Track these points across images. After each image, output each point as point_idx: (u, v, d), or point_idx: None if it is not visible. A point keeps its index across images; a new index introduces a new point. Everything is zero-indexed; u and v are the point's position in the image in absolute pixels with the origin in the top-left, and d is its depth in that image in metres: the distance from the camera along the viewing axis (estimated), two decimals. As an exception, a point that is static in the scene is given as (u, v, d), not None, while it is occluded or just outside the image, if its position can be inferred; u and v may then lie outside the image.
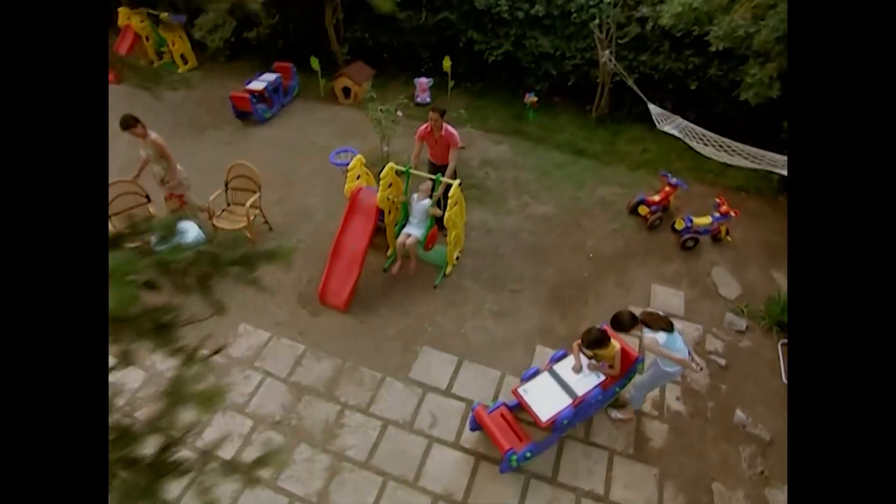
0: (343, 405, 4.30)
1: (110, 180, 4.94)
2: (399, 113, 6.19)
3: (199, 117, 7.73)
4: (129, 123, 4.79)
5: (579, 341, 3.94)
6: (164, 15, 8.28)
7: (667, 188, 5.84)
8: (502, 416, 3.91)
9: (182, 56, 8.74)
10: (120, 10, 8.46)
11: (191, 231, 4.96)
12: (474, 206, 6.22)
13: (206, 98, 8.05)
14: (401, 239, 5.13)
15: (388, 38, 8.22)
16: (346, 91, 7.96)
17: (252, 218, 5.56)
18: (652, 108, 6.04)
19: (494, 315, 5.01)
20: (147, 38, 8.69)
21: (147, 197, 5.40)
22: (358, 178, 5.14)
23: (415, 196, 5.15)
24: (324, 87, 8.08)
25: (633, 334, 3.87)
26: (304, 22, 8.32)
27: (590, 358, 3.95)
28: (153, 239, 1.98)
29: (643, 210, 5.96)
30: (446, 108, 5.56)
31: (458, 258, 5.52)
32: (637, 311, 3.73)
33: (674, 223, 5.78)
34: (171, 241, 1.89)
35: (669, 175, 5.89)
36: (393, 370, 4.54)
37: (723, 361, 4.57)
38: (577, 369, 3.93)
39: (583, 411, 3.88)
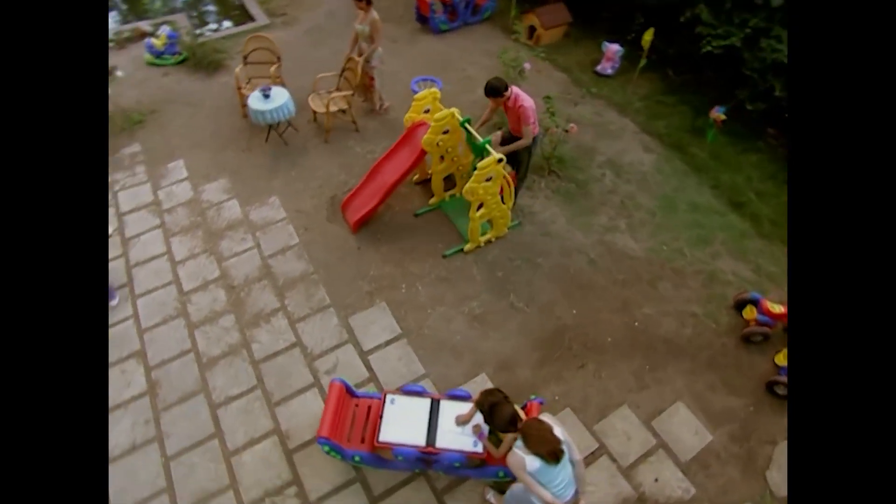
0: (282, 308, 4.41)
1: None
2: (527, 65, 5.34)
3: (390, 9, 7.96)
4: None
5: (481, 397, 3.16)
6: None
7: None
8: (369, 408, 3.49)
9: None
10: None
11: (281, 97, 5.40)
12: (558, 201, 5.25)
13: None
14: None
15: (607, -14, 6.96)
16: (531, 31, 7.19)
17: (345, 108, 5.73)
18: None
19: (472, 318, 4.35)
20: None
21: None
22: (427, 111, 4.74)
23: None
24: (513, 19, 7.42)
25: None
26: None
27: (485, 423, 3.16)
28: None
29: (749, 313, 4.22)
30: (623, 93, 4.58)
31: (489, 242, 4.84)
32: (547, 418, 2.73)
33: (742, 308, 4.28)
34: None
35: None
36: (341, 305, 4.42)
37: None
38: (458, 422, 3.22)
39: (433, 464, 3.24)
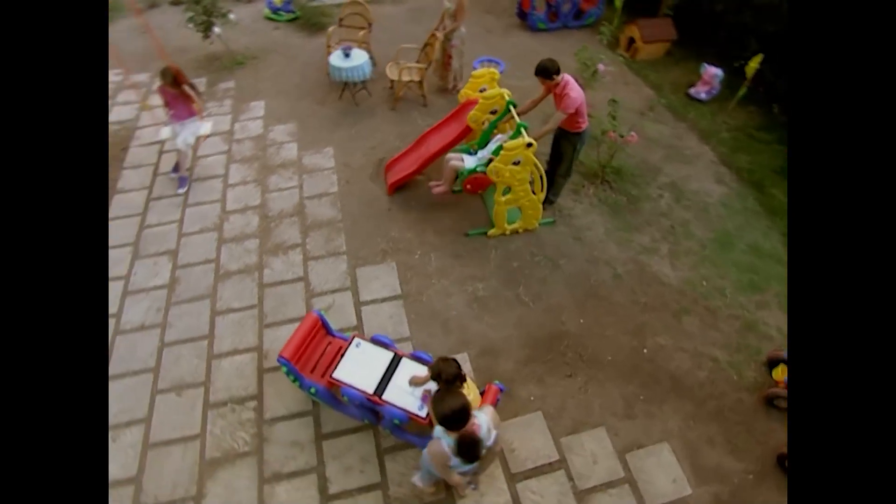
0: (302, 245, 4.64)
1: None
2: (601, 66, 5.11)
3: (493, 1, 8.02)
4: None
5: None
6: None
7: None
8: (339, 348, 3.55)
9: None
10: None
11: (360, 58, 5.70)
12: (602, 211, 4.97)
13: None
14: (451, 156, 4.66)
15: (723, 6, 6.45)
16: (630, 42, 6.88)
17: (418, 80, 5.90)
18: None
19: (473, 298, 4.26)
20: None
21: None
22: (482, 90, 4.73)
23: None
24: (614, 28, 7.14)
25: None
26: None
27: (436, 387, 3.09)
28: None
29: (780, 374, 3.68)
30: (711, 121, 4.72)
31: (515, 232, 4.70)
32: (487, 413, 2.60)
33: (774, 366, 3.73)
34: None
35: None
36: (355, 255, 4.55)
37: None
38: (411, 382, 3.16)
39: (373, 413, 3.23)
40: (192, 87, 4.82)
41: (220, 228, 4.76)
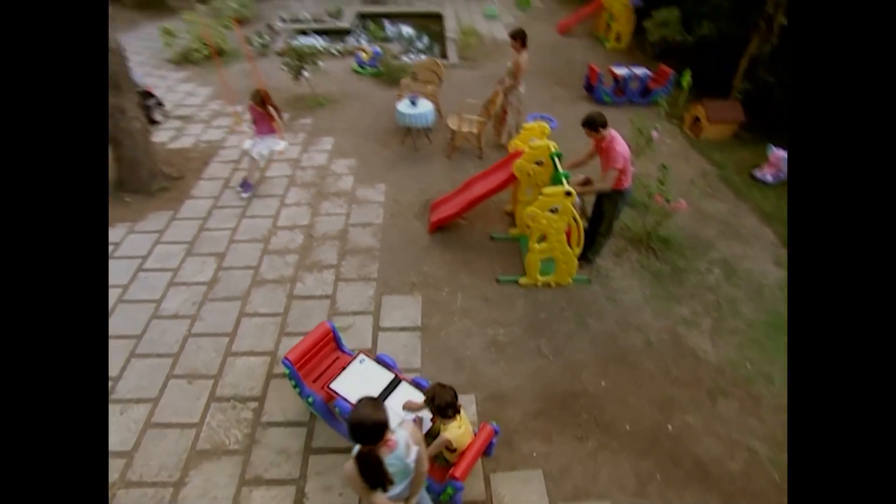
0: (336, 266, 4.81)
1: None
2: (655, 133, 5.08)
3: (563, 74, 8.37)
4: (516, 35, 5.92)
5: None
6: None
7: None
8: (344, 363, 3.53)
9: (617, 35, 9.32)
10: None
11: (424, 107, 6.12)
12: (643, 277, 4.77)
13: (582, 64, 8.53)
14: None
15: (797, 96, 6.30)
16: (696, 121, 6.85)
17: (475, 132, 6.18)
18: None
19: (492, 342, 4.14)
20: (605, 10, 9.65)
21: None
22: (532, 143, 4.86)
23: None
24: (680, 106, 7.18)
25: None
26: (723, 40, 7.30)
27: (431, 417, 2.97)
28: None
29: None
30: (776, 204, 4.85)
31: (547, 284, 4.59)
32: (407, 427, 2.28)
33: None
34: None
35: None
36: (384, 283, 4.62)
37: None
38: (405, 407, 3.06)
39: None
40: (276, 109, 5.40)
41: (267, 241, 5.07)
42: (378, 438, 2.04)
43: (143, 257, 4.85)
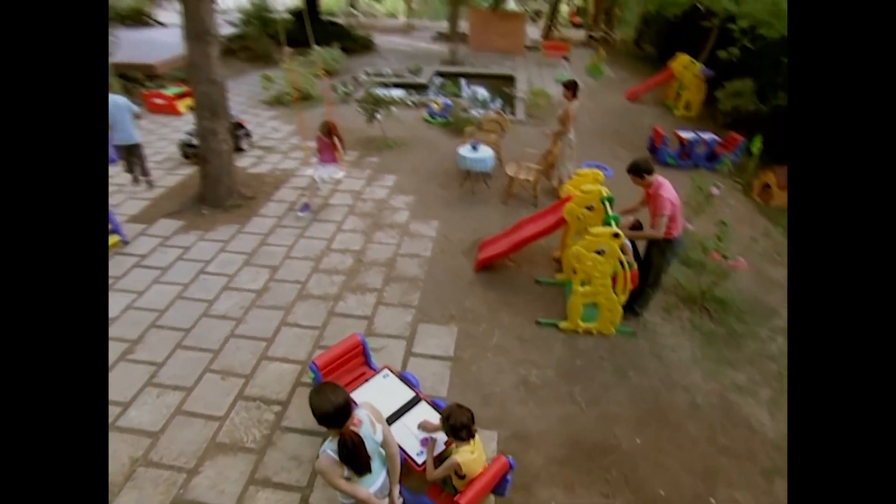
0: (379, 291, 4.91)
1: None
2: (715, 190, 4.88)
3: (628, 136, 8.38)
4: (568, 85, 6.21)
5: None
6: (696, 66, 8.97)
7: None
8: (364, 379, 3.52)
9: (687, 103, 9.29)
10: (679, 57, 9.74)
11: (485, 153, 6.36)
12: (694, 337, 4.47)
13: (648, 129, 8.53)
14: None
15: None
16: (765, 188, 6.54)
17: (531, 179, 6.28)
18: None
19: (523, 382, 3.97)
20: (676, 79, 9.71)
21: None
22: (584, 188, 4.86)
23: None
24: (749, 172, 6.91)
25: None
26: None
27: (446, 438, 2.87)
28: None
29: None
30: None
31: (588, 332, 4.41)
32: (367, 408, 2.26)
33: None
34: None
35: None
36: (422, 312, 4.65)
37: None
38: (421, 426, 2.99)
39: None
40: (340, 140, 5.83)
41: (318, 260, 5.32)
42: (347, 417, 2.06)
43: (206, 262, 5.24)
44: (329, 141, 5.80)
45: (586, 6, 19.32)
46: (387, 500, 2.32)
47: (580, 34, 18.61)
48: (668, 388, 3.96)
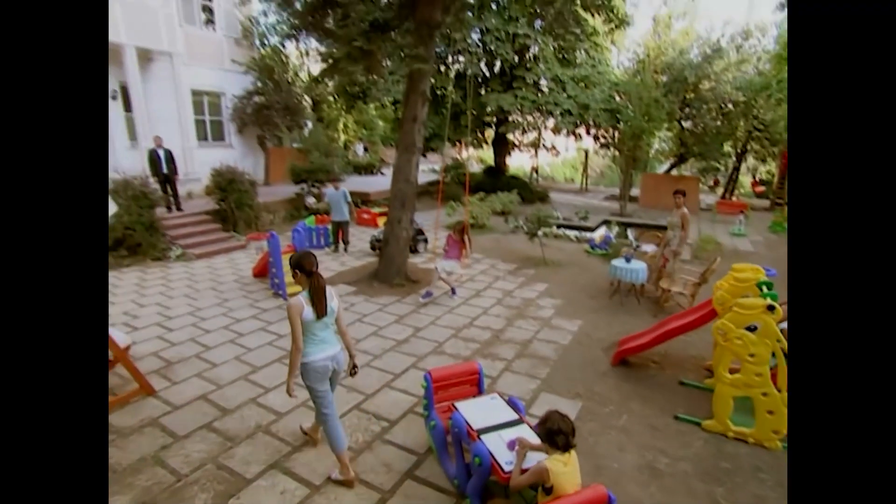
0: (510, 361, 4.94)
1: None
2: None
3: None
4: (678, 192, 6.44)
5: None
6: None
7: None
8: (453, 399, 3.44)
9: None
10: None
11: (637, 265, 6.40)
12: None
13: None
14: None
15: None
16: None
17: (684, 292, 5.89)
18: None
19: (648, 466, 3.38)
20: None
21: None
22: (738, 279, 4.41)
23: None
24: None
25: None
26: None
27: (539, 450, 2.66)
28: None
29: None
30: None
31: (742, 438, 3.62)
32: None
33: None
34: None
35: None
36: (547, 384, 4.49)
37: None
38: (518, 441, 2.81)
39: (466, 471, 2.98)
40: (469, 240, 6.59)
41: (459, 330, 5.66)
42: (316, 267, 2.98)
43: (363, 314, 6.05)
44: (458, 238, 6.60)
45: (772, 179, 18.49)
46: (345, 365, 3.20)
47: (763, 203, 17.67)
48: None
